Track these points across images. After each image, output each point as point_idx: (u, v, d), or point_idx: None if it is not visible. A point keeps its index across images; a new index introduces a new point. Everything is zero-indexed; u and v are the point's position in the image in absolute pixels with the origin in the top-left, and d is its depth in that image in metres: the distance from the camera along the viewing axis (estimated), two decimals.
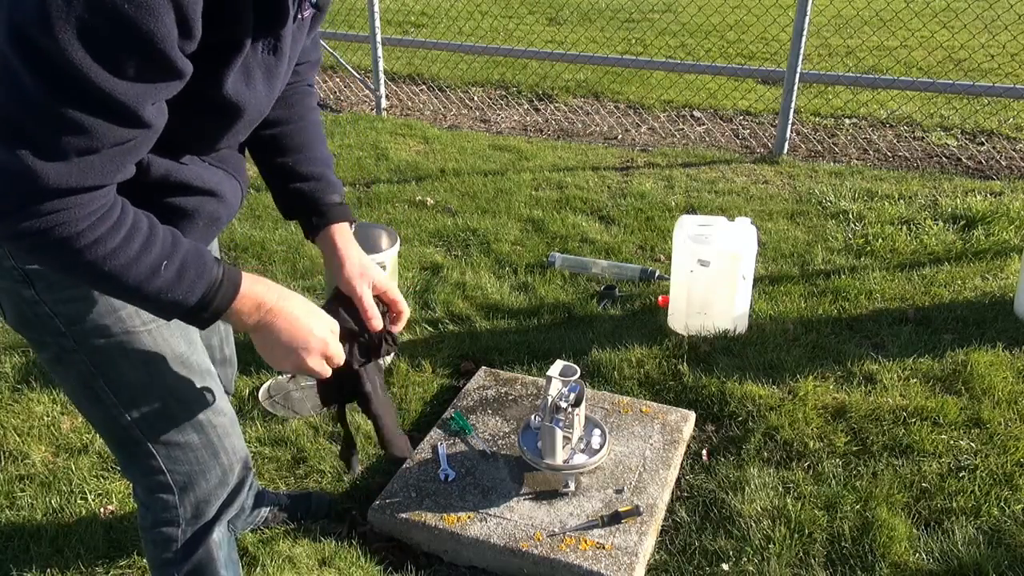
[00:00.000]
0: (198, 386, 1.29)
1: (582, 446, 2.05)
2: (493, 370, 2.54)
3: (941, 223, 3.51)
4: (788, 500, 2.03)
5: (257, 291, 1.10)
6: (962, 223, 3.50)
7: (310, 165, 1.39)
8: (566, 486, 2.01)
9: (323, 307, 1.26)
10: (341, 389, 1.35)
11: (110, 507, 2.05)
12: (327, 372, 1.19)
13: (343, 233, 1.38)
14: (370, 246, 2.56)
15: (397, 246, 2.51)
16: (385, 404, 1.41)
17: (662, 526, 1.99)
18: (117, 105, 0.90)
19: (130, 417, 1.25)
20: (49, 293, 1.15)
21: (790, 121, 4.35)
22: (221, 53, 1.00)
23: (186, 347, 1.28)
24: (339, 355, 1.20)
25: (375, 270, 1.37)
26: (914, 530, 1.95)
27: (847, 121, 4.97)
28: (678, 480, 2.14)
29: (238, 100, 1.07)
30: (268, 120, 1.33)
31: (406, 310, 1.41)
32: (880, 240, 3.36)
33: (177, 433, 1.28)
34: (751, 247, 2.63)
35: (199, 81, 0.99)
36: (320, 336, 1.15)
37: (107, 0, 0.84)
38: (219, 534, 1.43)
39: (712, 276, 2.61)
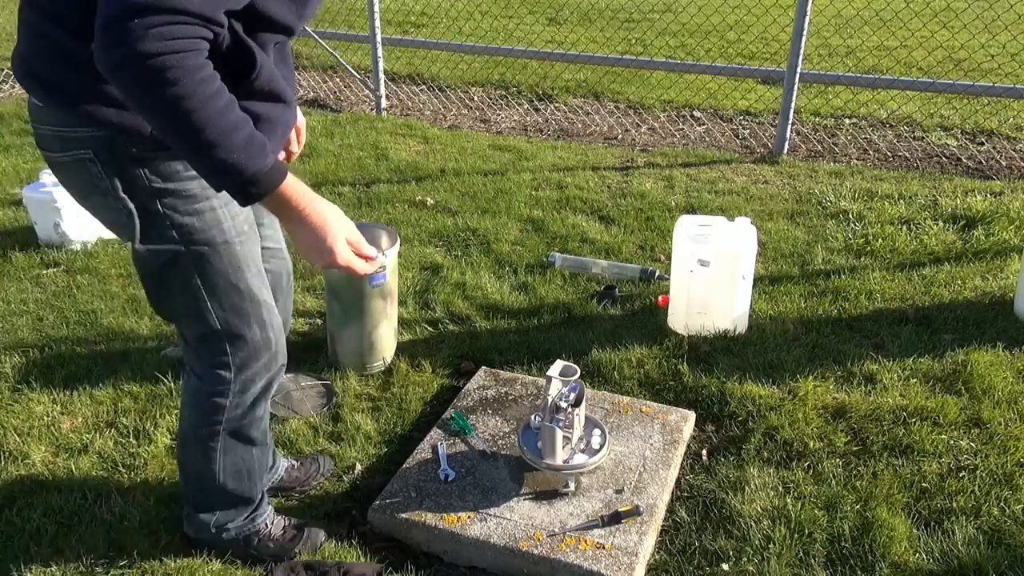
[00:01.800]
0: (266, 289, 1.62)
1: (582, 446, 2.05)
2: (493, 370, 2.54)
3: (941, 223, 3.51)
4: (788, 500, 2.03)
5: (296, 188, 1.31)
6: (962, 223, 3.50)
7: None
8: (566, 486, 2.01)
9: None
10: None
11: (110, 506, 2.04)
12: (357, 265, 1.40)
13: None
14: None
15: (397, 246, 2.51)
16: None
17: (662, 526, 1.99)
18: None
19: (215, 310, 1.55)
20: (173, 209, 1.44)
21: (790, 121, 4.35)
22: None
23: (260, 257, 1.61)
24: (361, 251, 1.42)
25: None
26: (914, 530, 1.95)
27: (847, 121, 4.97)
28: (678, 480, 2.14)
29: None
30: None
31: (295, 150, 1.77)
32: (880, 240, 3.36)
33: (244, 326, 1.59)
34: (751, 247, 2.63)
35: None
36: (337, 236, 1.35)
37: None
38: (263, 409, 1.73)
39: (712, 276, 2.61)
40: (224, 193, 1.32)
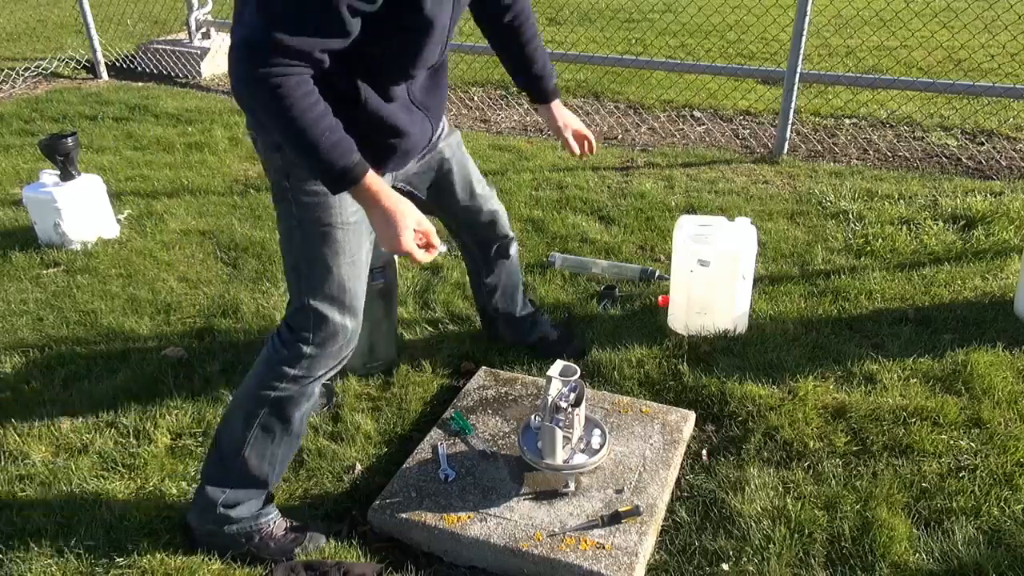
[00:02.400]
0: (358, 284, 1.84)
1: (582, 446, 2.05)
2: (493, 370, 2.54)
3: (941, 223, 3.51)
4: (788, 500, 2.03)
5: (375, 183, 1.58)
6: (962, 223, 3.50)
7: (541, 55, 2.18)
8: (566, 486, 2.01)
9: None
10: None
11: (110, 506, 2.05)
12: (418, 254, 1.62)
13: (558, 105, 2.25)
14: None
15: None
16: None
17: (662, 526, 1.99)
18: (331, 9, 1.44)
19: (308, 287, 1.78)
20: (297, 188, 1.72)
21: (790, 121, 4.35)
22: None
23: (359, 252, 1.83)
24: (430, 239, 1.66)
25: (575, 122, 2.27)
26: (914, 530, 1.95)
27: (847, 121, 4.97)
28: (678, 480, 2.14)
29: (432, 18, 1.58)
30: (507, 16, 2.09)
31: (590, 135, 2.28)
32: (880, 240, 3.36)
33: (330, 308, 1.80)
34: (751, 247, 2.62)
35: (405, 8, 1.53)
36: (406, 227, 1.60)
37: None
38: (311, 393, 1.86)
39: (712, 276, 2.61)
40: None
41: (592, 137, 2.28)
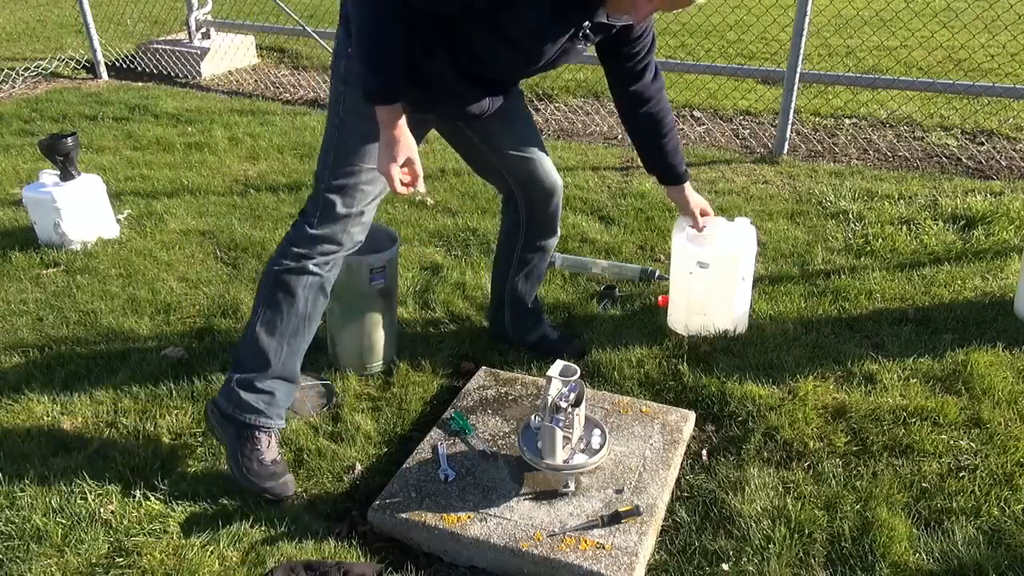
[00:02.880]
0: (372, 188, 2.06)
1: (582, 446, 2.05)
2: (493, 370, 2.54)
3: (941, 223, 3.51)
4: (788, 500, 2.03)
5: (397, 114, 1.85)
6: (962, 223, 3.50)
7: (674, 146, 2.36)
8: (566, 486, 2.01)
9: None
10: None
11: (110, 507, 2.05)
12: (395, 182, 1.87)
13: (688, 188, 2.48)
14: (371, 246, 2.55)
15: (397, 246, 2.51)
16: None
17: (662, 526, 1.99)
18: None
19: (331, 177, 2.03)
20: (349, 92, 2.00)
21: (790, 121, 4.35)
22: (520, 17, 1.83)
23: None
24: (413, 180, 1.91)
25: (701, 202, 2.53)
26: (914, 530, 1.95)
27: (847, 121, 4.97)
28: (678, 480, 2.14)
29: (524, 43, 1.89)
30: (643, 108, 2.26)
31: (710, 209, 2.55)
32: (880, 240, 3.36)
33: (339, 198, 2.04)
34: (751, 247, 2.62)
35: (503, 16, 1.82)
36: (398, 157, 1.87)
37: None
38: (316, 267, 2.07)
39: (712, 277, 2.61)
40: None
41: (711, 209, 2.56)
